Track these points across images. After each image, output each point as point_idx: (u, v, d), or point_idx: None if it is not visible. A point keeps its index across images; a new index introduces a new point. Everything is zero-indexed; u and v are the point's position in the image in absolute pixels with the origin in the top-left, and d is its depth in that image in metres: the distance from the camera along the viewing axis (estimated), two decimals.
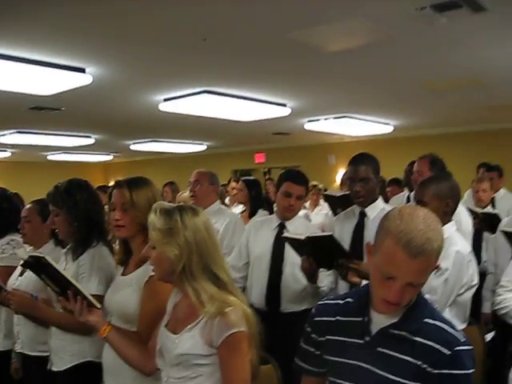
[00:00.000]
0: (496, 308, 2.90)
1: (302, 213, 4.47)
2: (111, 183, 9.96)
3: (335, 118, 7.69)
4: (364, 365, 1.56)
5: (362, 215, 3.11)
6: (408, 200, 4.69)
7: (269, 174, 12.20)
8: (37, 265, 2.16)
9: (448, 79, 5.34)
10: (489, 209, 4.87)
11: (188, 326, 1.83)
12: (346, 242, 2.98)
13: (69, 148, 10.83)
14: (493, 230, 4.21)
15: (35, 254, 2.16)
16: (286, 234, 3.00)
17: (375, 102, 6.72)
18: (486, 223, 4.45)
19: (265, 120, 7.30)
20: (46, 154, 12.05)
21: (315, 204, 7.15)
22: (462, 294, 2.62)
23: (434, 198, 2.76)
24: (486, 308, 4.03)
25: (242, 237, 3.54)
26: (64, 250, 2.82)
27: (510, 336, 3.04)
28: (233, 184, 6.44)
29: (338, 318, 1.67)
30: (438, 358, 1.47)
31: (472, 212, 3.82)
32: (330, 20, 3.50)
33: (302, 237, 2.74)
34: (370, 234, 2.80)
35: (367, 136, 9.60)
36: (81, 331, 2.63)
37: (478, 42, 4.11)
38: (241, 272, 3.39)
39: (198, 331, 1.81)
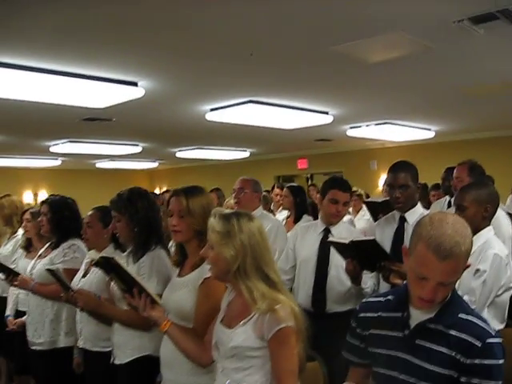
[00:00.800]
0: None
1: (346, 218, 4.61)
2: (156, 190, 10.34)
3: (377, 124, 7.77)
4: (404, 356, 1.72)
5: (402, 220, 3.24)
6: (449, 205, 4.77)
7: (311, 179, 12.25)
8: (107, 265, 2.37)
9: (486, 85, 5.39)
10: None
11: (241, 322, 2.01)
12: (386, 245, 3.09)
13: (116, 156, 11.11)
14: None
15: (106, 255, 2.38)
16: (331, 239, 3.17)
17: (416, 108, 6.78)
18: None
19: (308, 127, 7.43)
20: (94, 161, 12.38)
21: (357, 210, 7.25)
22: (500, 295, 2.73)
23: (474, 203, 2.89)
24: None
25: (288, 241, 3.71)
26: (125, 253, 3.04)
27: None
28: (276, 190, 6.62)
29: (380, 313, 1.84)
30: (470, 349, 1.62)
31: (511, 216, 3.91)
32: (371, 33, 3.63)
33: (347, 241, 2.90)
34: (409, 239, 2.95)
35: (409, 141, 9.61)
36: (141, 327, 2.84)
37: None
38: (288, 274, 3.55)
39: (251, 326, 1.99)
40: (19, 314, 4.19)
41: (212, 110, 6.16)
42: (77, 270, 3.49)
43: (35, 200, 12.90)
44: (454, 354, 1.64)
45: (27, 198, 12.89)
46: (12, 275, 3.81)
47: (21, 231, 4.77)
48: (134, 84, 4.84)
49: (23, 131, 7.82)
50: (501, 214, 3.40)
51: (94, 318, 3.17)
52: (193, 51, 4.06)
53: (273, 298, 1.97)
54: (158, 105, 5.95)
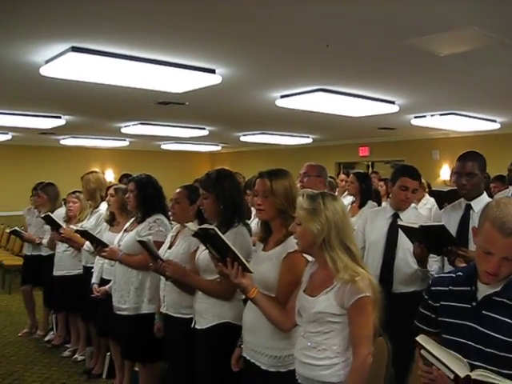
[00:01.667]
0: None
1: (410, 207, 4.76)
2: None
3: (441, 114, 7.81)
4: (472, 324, 1.94)
5: (468, 208, 3.39)
6: None
7: (372, 167, 12.29)
8: (204, 235, 2.60)
9: None
10: None
11: (324, 290, 2.27)
12: (452, 231, 3.24)
13: (182, 138, 11.39)
14: None
15: (205, 227, 2.61)
16: (400, 223, 3.37)
17: (483, 100, 6.83)
18: None
19: (373, 116, 7.55)
20: (160, 143, 12.77)
21: (419, 199, 7.30)
22: None
23: None
24: None
25: (359, 224, 3.91)
26: None
27: None
28: (342, 176, 6.81)
29: (450, 287, 2.07)
30: None
31: None
32: (444, 28, 3.76)
33: (416, 225, 3.10)
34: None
35: (473, 132, 9.58)
36: (222, 297, 3.10)
37: None
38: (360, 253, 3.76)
39: (333, 294, 2.24)
40: (104, 282, 4.55)
41: (282, 96, 6.35)
42: (161, 243, 3.76)
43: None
44: None
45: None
46: (100, 246, 4.16)
47: (103, 206, 5.13)
48: (212, 71, 5.06)
49: (99, 113, 8.19)
50: None
51: (177, 286, 3.42)
52: (270, 42, 4.24)
53: (354, 269, 2.21)
54: (231, 91, 6.17)
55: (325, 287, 2.28)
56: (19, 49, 4.39)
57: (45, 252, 6.13)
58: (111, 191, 4.68)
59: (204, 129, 10.00)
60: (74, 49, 4.21)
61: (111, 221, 4.74)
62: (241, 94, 6.42)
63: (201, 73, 5.03)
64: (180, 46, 4.37)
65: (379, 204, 5.53)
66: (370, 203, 5.16)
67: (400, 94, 6.42)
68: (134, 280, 4.01)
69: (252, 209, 4.82)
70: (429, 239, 3.11)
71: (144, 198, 4.05)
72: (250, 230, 3.32)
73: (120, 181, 6.80)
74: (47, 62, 4.65)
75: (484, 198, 3.37)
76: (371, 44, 4.25)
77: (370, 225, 3.79)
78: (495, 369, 1.82)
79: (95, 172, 5.49)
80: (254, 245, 3.28)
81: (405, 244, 3.44)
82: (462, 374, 1.72)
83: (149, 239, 3.42)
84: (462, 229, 3.35)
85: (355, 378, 2.20)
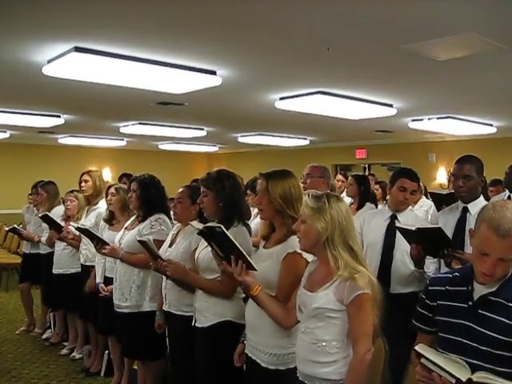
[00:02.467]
0: None
1: (408, 209, 4.82)
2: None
3: (439, 118, 7.88)
4: (468, 323, 2.00)
5: (465, 210, 3.46)
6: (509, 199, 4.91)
7: (369, 169, 12.35)
8: (209, 233, 2.64)
9: None
10: None
11: (324, 286, 2.31)
12: (448, 233, 3.28)
13: (180, 139, 11.43)
14: None
15: (211, 225, 2.65)
16: (398, 225, 3.42)
17: (480, 104, 6.90)
18: None
19: (371, 119, 7.63)
20: (157, 143, 12.81)
21: (415, 201, 7.35)
22: None
23: None
24: None
25: (356, 226, 3.95)
26: None
27: None
28: (339, 177, 6.85)
29: (447, 287, 2.12)
30: None
31: None
32: (443, 34, 3.83)
33: (413, 228, 3.16)
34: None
35: (469, 136, 9.66)
36: (222, 295, 3.15)
37: None
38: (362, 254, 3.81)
39: (332, 290, 2.28)
40: (106, 279, 4.56)
41: (281, 98, 6.41)
42: (162, 242, 3.80)
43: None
44: None
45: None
46: (101, 243, 4.19)
47: (101, 204, 5.16)
48: (213, 73, 5.11)
49: (99, 112, 8.23)
50: None
51: (178, 285, 3.47)
52: (271, 45, 4.30)
53: (354, 267, 2.27)
54: (231, 92, 6.22)
55: (324, 283, 2.33)
56: (22, 48, 4.43)
57: (44, 250, 6.15)
58: (112, 190, 4.70)
59: (202, 129, 10.05)
60: (77, 49, 4.26)
61: (110, 220, 4.76)
62: (240, 95, 6.47)
63: (202, 74, 5.08)
64: (181, 48, 4.42)
65: (376, 206, 5.59)
66: (368, 205, 5.21)
67: (398, 98, 6.49)
68: (135, 278, 4.05)
69: (252, 209, 4.88)
70: (426, 241, 3.17)
71: (146, 198, 4.09)
72: (249, 230, 3.36)
73: (119, 180, 6.83)
74: (50, 61, 4.69)
75: (481, 201, 3.42)
76: (371, 48, 4.31)
77: (367, 226, 3.84)
78: (491, 366, 1.87)
79: (95, 171, 5.52)
80: (253, 245, 3.33)
81: (402, 245, 3.49)
82: (463, 378, 1.76)
83: (149, 239, 3.46)
84: (459, 231, 3.41)
85: (353, 374, 2.25)
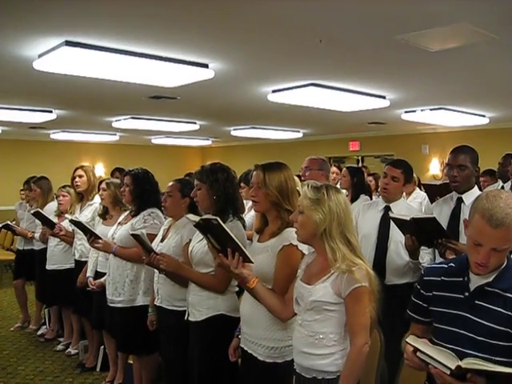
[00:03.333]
0: None
1: (402, 200, 4.81)
2: None
3: (431, 109, 7.89)
4: (464, 314, 2.00)
5: (460, 201, 3.45)
6: None
7: (362, 161, 12.35)
8: (205, 226, 2.61)
9: None
10: None
11: (322, 279, 2.31)
12: (443, 224, 3.28)
13: (173, 133, 11.39)
14: None
15: (208, 217, 2.62)
16: (392, 215, 3.41)
17: (472, 95, 6.90)
18: None
19: (364, 110, 7.62)
20: (150, 137, 12.77)
21: (409, 193, 7.34)
22: None
23: None
24: None
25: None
26: None
27: None
28: (333, 169, 6.83)
29: (443, 278, 2.12)
30: None
31: None
32: (435, 24, 3.81)
33: (408, 218, 3.15)
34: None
35: (462, 127, 9.68)
36: (215, 290, 3.14)
37: None
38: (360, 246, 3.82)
39: (330, 283, 2.28)
40: (98, 275, 4.57)
41: (274, 91, 6.39)
42: (156, 235, 3.79)
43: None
44: (510, 314, 1.90)
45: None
46: (93, 237, 4.18)
47: (98, 200, 5.15)
48: (205, 66, 5.08)
49: (91, 107, 8.17)
50: None
51: (171, 279, 3.47)
52: (263, 37, 4.27)
53: (351, 260, 2.26)
54: (223, 86, 6.20)
55: (322, 275, 2.32)
56: (12, 43, 4.39)
57: (37, 246, 6.13)
58: (103, 185, 4.69)
59: (195, 123, 10.02)
60: (68, 43, 4.22)
61: (104, 214, 4.75)
62: (233, 88, 6.44)
63: (194, 67, 5.04)
64: (173, 41, 4.39)
65: (371, 198, 5.59)
66: (363, 197, 5.20)
67: (391, 89, 6.48)
68: (128, 272, 4.05)
69: (245, 202, 4.87)
70: (420, 231, 3.17)
71: (140, 192, 4.07)
72: (244, 223, 3.35)
73: (112, 175, 6.81)
74: (40, 55, 4.64)
75: (475, 192, 3.42)
76: (363, 39, 4.29)
77: (362, 218, 3.85)
78: (487, 356, 1.87)
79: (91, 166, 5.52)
80: (248, 239, 3.32)
81: (397, 236, 3.50)
82: (452, 366, 1.77)
83: (142, 232, 3.44)
84: (453, 222, 3.41)
85: (351, 367, 2.25)
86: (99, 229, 4.58)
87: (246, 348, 2.79)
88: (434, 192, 4.82)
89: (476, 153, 3.48)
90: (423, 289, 2.18)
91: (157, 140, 13.10)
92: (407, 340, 1.97)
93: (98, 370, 5.19)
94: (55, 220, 5.38)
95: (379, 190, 3.84)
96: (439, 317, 2.10)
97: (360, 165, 11.48)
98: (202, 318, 3.18)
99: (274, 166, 2.84)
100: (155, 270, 3.59)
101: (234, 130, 11.00)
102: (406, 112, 8.23)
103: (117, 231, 4.19)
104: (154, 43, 4.41)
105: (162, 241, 3.70)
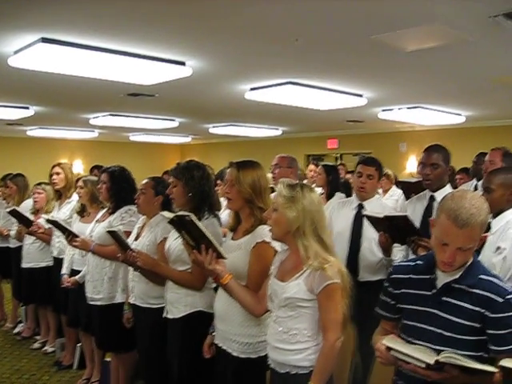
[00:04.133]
0: None
1: (375, 198, 4.86)
2: None
3: (409, 108, 7.96)
4: (432, 310, 2.04)
5: (432, 199, 3.52)
6: (475, 189, 5.00)
7: (341, 159, 12.40)
8: (180, 222, 2.64)
9: None
10: None
11: (295, 276, 2.35)
12: (416, 221, 3.37)
13: (152, 130, 11.36)
14: None
15: (181, 214, 2.64)
16: (366, 213, 3.47)
17: (448, 94, 6.97)
18: None
19: (341, 109, 7.66)
20: (128, 134, 12.68)
21: (386, 190, 7.41)
22: None
23: (500, 186, 3.14)
24: None
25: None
26: None
27: None
28: (311, 167, 6.90)
29: (411, 275, 2.16)
30: (493, 304, 1.93)
31: None
32: (409, 25, 3.86)
33: (381, 215, 3.21)
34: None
35: (439, 126, 9.77)
36: (192, 287, 3.17)
37: None
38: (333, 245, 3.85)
39: (303, 280, 2.33)
40: (74, 272, 4.57)
41: (252, 89, 6.40)
42: (131, 233, 3.82)
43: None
44: (477, 309, 1.95)
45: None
46: (71, 236, 4.17)
47: (76, 197, 5.12)
48: (182, 63, 5.08)
49: (68, 104, 8.12)
50: None
51: (146, 277, 3.48)
52: (239, 35, 4.28)
53: (324, 257, 2.31)
54: (201, 83, 6.19)
55: (295, 272, 2.36)
56: None
57: (13, 244, 6.09)
58: (80, 183, 4.69)
59: (174, 120, 9.98)
60: (44, 40, 4.19)
61: (82, 212, 4.74)
62: (211, 86, 6.44)
63: (171, 65, 5.03)
64: (150, 39, 4.38)
65: (349, 195, 5.63)
66: (338, 195, 5.25)
67: (368, 88, 6.53)
68: (107, 270, 4.06)
69: (223, 200, 4.89)
70: (393, 229, 3.22)
71: (116, 190, 4.09)
72: (219, 221, 3.37)
73: (91, 172, 6.79)
74: (16, 52, 4.61)
75: (447, 190, 3.48)
76: (339, 39, 4.33)
77: (336, 215, 3.90)
78: (456, 351, 1.91)
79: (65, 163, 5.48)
80: (224, 236, 3.35)
81: (370, 234, 3.56)
82: (431, 361, 1.83)
83: (119, 229, 3.45)
84: (426, 219, 3.44)
85: (323, 361, 2.30)
86: (77, 226, 4.58)
87: (220, 344, 2.82)
88: (410, 189, 4.88)
89: (448, 151, 3.55)
90: (391, 286, 2.22)
91: (135, 137, 13.02)
92: (384, 341, 2.02)
93: (74, 367, 5.18)
94: (31, 218, 5.34)
95: (355, 189, 3.86)
96: (408, 314, 2.14)
97: (338, 162, 11.54)
98: (181, 315, 3.21)
99: (248, 164, 2.88)
100: (130, 268, 3.60)
101: (213, 127, 10.98)
102: (383, 110, 8.29)
103: (95, 229, 4.19)
104: (131, 41, 4.40)
105: (136, 239, 3.71)
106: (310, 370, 2.32)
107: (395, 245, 3.40)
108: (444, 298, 2.03)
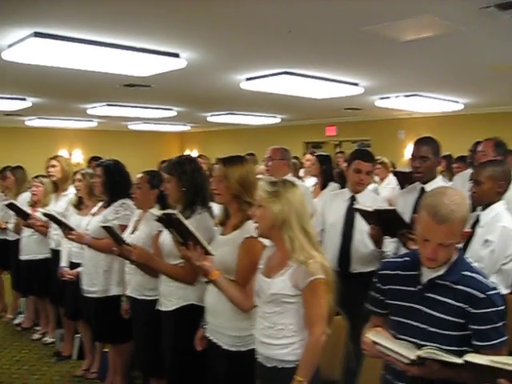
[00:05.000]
0: None
1: (371, 187, 4.88)
2: (186, 152, 10.65)
3: (406, 96, 7.94)
4: (417, 306, 2.07)
5: (422, 191, 3.52)
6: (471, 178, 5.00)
7: (339, 146, 12.39)
8: (167, 220, 2.68)
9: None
10: None
11: (280, 272, 2.39)
12: (407, 213, 3.38)
13: (150, 119, 11.37)
14: None
15: (168, 212, 2.69)
16: (357, 206, 3.50)
17: (445, 82, 6.97)
18: None
19: (338, 97, 7.67)
20: (127, 123, 12.72)
21: (382, 178, 7.42)
22: (506, 263, 3.01)
23: (489, 179, 3.17)
24: None
25: (318, 207, 4.04)
26: None
27: None
28: (307, 156, 6.91)
29: (398, 272, 2.19)
30: (475, 300, 1.97)
31: None
32: (401, 16, 3.86)
33: (371, 209, 3.24)
34: None
35: (437, 113, 9.75)
36: (185, 281, 3.20)
37: None
38: (317, 237, 3.90)
39: (288, 276, 2.36)
40: (73, 265, 4.60)
41: (248, 79, 6.41)
42: (126, 226, 3.86)
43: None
44: (461, 305, 1.98)
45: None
46: (67, 229, 4.20)
47: (72, 190, 5.16)
48: (176, 55, 5.10)
49: (64, 95, 8.17)
50: None
51: (141, 269, 3.52)
52: (233, 26, 4.29)
53: (308, 252, 2.34)
54: (197, 74, 6.20)
55: (280, 269, 2.40)
56: None
57: (11, 236, 6.10)
58: (78, 176, 4.71)
59: (171, 110, 10.02)
60: (37, 34, 4.20)
61: (79, 205, 4.77)
62: (206, 77, 6.45)
63: (165, 57, 5.05)
64: (144, 31, 4.38)
65: (343, 185, 5.65)
66: (332, 185, 5.27)
67: (363, 77, 6.52)
68: (102, 263, 4.09)
69: None
70: (382, 222, 3.25)
71: (111, 183, 4.11)
72: (212, 213, 3.39)
73: (89, 163, 6.81)
74: (10, 46, 4.62)
75: (437, 182, 3.50)
76: (332, 29, 4.33)
77: (328, 207, 3.92)
78: (440, 346, 1.94)
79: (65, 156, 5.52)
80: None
81: (362, 226, 3.58)
82: (413, 356, 1.87)
83: (114, 224, 3.48)
84: (416, 212, 3.48)
85: (308, 356, 2.34)
86: (74, 219, 4.60)
87: (211, 337, 2.86)
88: (405, 179, 4.88)
89: (438, 144, 3.57)
90: (379, 282, 2.25)
91: (134, 126, 13.03)
92: (369, 335, 2.06)
93: (74, 358, 5.24)
94: (29, 210, 5.37)
95: (351, 183, 3.85)
96: (394, 309, 2.18)
97: (338, 150, 11.53)
98: (173, 307, 3.25)
99: (236, 160, 2.92)
100: (126, 261, 3.63)
101: (211, 115, 10.99)
102: (380, 98, 8.29)
103: (90, 222, 4.22)
104: (124, 33, 4.41)
105: (132, 232, 3.75)
106: (296, 364, 2.35)
107: (386, 237, 3.42)
108: (428, 294, 2.06)
